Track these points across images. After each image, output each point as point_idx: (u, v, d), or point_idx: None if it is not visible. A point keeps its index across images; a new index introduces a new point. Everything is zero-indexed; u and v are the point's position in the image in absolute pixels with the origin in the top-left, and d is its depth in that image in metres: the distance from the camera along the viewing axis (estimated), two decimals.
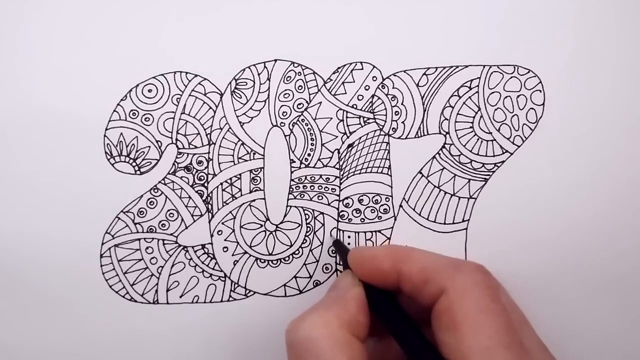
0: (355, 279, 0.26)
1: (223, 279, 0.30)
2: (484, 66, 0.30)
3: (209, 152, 0.30)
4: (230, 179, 0.30)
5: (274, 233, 0.30)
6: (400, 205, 0.30)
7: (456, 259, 0.26)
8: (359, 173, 0.30)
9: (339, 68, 0.30)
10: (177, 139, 0.30)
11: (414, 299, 0.25)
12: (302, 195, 0.30)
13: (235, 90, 0.30)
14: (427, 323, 0.25)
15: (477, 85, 0.30)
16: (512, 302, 0.27)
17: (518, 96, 0.30)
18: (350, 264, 0.27)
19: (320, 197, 0.30)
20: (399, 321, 0.25)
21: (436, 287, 0.24)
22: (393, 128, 0.30)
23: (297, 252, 0.30)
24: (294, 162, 0.30)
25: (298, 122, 0.30)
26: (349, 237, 0.30)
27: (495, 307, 0.23)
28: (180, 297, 0.30)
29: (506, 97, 0.30)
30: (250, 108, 0.30)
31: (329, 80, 0.30)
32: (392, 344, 0.26)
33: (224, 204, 0.30)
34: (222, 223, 0.30)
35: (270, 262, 0.30)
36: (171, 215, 0.30)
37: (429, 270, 0.25)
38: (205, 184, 0.30)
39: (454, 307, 0.23)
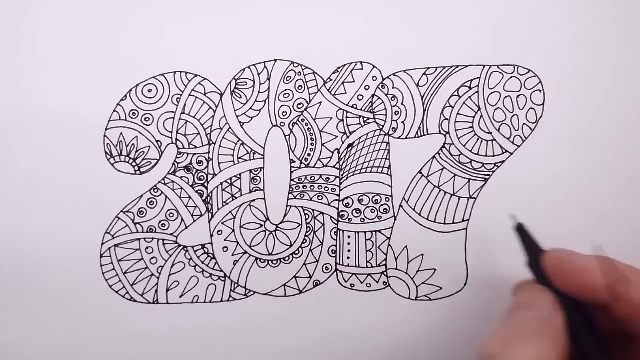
0: (555, 298, 0.23)
1: (223, 279, 0.30)
2: (484, 66, 0.30)
3: (209, 152, 0.30)
4: (230, 179, 0.30)
5: (274, 233, 0.30)
6: (400, 205, 0.30)
7: None
8: (359, 173, 0.30)
9: (339, 68, 0.30)
10: (177, 139, 0.30)
11: (626, 322, 0.23)
12: (302, 195, 0.30)
13: (235, 90, 0.30)
14: (618, 338, 0.23)
15: (477, 85, 0.30)
16: None
17: (518, 96, 0.30)
18: (550, 270, 0.23)
19: (320, 197, 0.30)
20: (597, 348, 0.22)
21: None
22: (393, 128, 0.30)
23: (297, 252, 0.30)
24: (294, 162, 0.30)
25: (298, 122, 0.30)
26: (349, 237, 0.30)
27: None
28: (180, 297, 0.30)
29: (506, 97, 0.30)
30: (250, 108, 0.30)
31: (329, 80, 0.30)
32: None
33: (224, 204, 0.30)
34: (222, 223, 0.30)
35: (270, 262, 0.30)
36: (171, 215, 0.30)
37: None
38: (205, 184, 0.30)
39: None
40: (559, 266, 0.23)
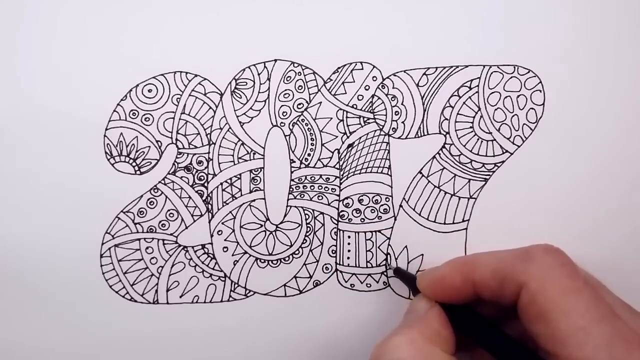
0: (430, 301, 0.26)
1: (223, 279, 0.30)
2: (484, 66, 0.30)
3: (209, 152, 0.30)
4: (230, 179, 0.30)
5: (274, 233, 0.30)
6: (400, 205, 0.30)
7: (521, 249, 0.25)
8: (359, 173, 0.30)
9: (339, 68, 0.30)
10: (177, 139, 0.30)
11: (496, 302, 0.25)
12: (302, 195, 0.30)
13: (235, 90, 0.30)
14: (511, 319, 0.25)
15: (477, 85, 0.30)
16: (586, 272, 0.27)
17: (518, 96, 0.30)
18: (421, 290, 0.27)
19: (320, 197, 0.30)
20: (484, 331, 0.25)
21: (514, 284, 0.24)
22: (393, 128, 0.30)
23: (297, 252, 0.30)
24: (294, 162, 0.30)
25: (298, 122, 0.30)
26: (349, 237, 0.30)
27: (576, 284, 0.23)
28: (180, 297, 0.30)
29: (506, 97, 0.30)
30: (250, 108, 0.30)
31: (329, 80, 0.30)
32: (482, 354, 0.26)
33: (224, 204, 0.30)
34: (222, 223, 0.30)
35: (270, 262, 0.30)
36: (171, 215, 0.30)
37: (500, 270, 0.25)
38: (205, 184, 0.30)
39: (538, 298, 0.23)
40: (427, 285, 0.27)
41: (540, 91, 0.30)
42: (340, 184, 0.30)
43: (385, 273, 0.30)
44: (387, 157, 0.30)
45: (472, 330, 0.25)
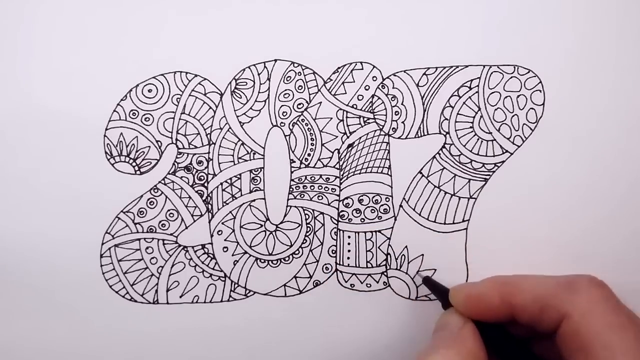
0: (463, 317, 0.26)
1: (223, 279, 0.30)
2: (484, 66, 0.30)
3: (209, 152, 0.30)
4: (230, 179, 0.30)
5: (274, 233, 0.30)
6: (400, 205, 0.30)
7: (565, 277, 0.25)
8: (359, 173, 0.30)
9: (339, 68, 0.30)
10: (177, 139, 0.30)
11: (532, 327, 0.25)
12: (302, 195, 0.30)
13: (235, 90, 0.30)
14: (536, 340, 0.25)
15: (477, 85, 0.30)
16: (628, 308, 0.26)
17: (518, 96, 0.30)
18: (455, 305, 0.27)
19: (320, 197, 0.30)
20: (516, 353, 0.25)
21: (556, 313, 0.24)
22: (393, 128, 0.30)
23: (297, 252, 0.30)
24: (294, 162, 0.30)
25: (298, 122, 0.30)
26: (349, 237, 0.30)
27: (620, 320, 0.23)
28: (180, 297, 0.30)
29: (506, 97, 0.30)
30: (250, 108, 0.30)
31: (329, 80, 0.30)
32: None
33: (224, 204, 0.30)
34: (222, 223, 0.30)
35: (270, 262, 0.30)
36: (171, 215, 0.30)
37: (543, 297, 0.25)
38: (205, 184, 0.30)
39: (581, 330, 0.23)
40: (462, 300, 0.26)
41: (540, 91, 0.30)
42: (340, 184, 0.30)
43: (385, 273, 0.30)
44: (387, 157, 0.30)
45: (506, 351, 0.25)
